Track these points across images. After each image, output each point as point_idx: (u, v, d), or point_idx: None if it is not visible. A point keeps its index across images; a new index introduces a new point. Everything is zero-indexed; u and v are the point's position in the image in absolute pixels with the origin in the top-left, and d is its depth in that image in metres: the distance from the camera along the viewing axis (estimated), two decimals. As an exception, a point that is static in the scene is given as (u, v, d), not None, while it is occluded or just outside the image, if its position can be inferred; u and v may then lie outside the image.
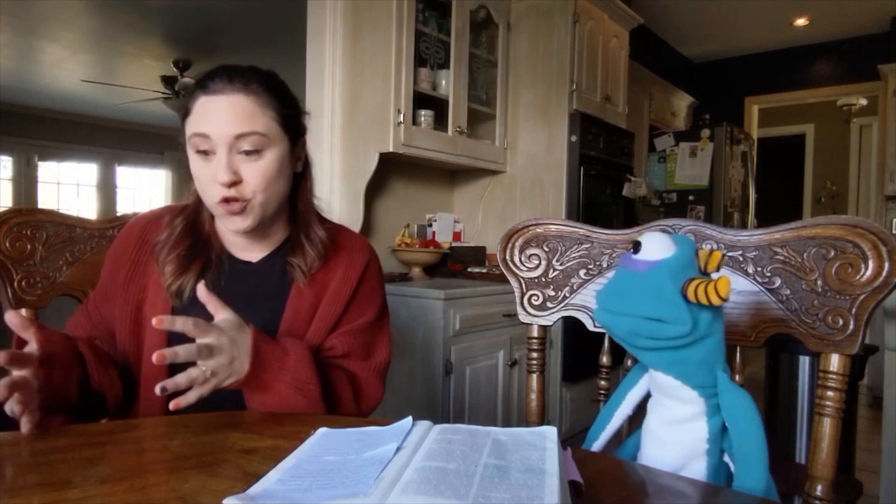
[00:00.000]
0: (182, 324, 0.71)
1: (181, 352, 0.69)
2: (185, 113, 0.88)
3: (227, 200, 0.85)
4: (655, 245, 0.63)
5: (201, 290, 0.77)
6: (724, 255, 0.64)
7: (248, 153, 0.85)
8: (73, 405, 0.78)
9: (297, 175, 0.96)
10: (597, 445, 0.78)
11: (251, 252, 0.96)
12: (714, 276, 0.61)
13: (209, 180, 0.85)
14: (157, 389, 0.67)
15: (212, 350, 0.73)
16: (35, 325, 0.72)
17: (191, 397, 0.72)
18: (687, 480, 0.63)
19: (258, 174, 0.86)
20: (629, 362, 0.90)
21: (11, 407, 0.66)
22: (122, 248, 0.95)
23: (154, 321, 0.68)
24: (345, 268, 0.97)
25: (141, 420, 0.87)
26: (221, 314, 0.77)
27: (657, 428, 0.69)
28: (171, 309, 0.90)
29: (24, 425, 0.68)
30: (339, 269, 0.96)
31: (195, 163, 0.87)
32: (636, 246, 0.64)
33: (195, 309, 0.88)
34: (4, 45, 4.87)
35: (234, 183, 0.84)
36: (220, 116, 0.83)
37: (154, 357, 0.66)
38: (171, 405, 0.69)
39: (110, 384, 0.84)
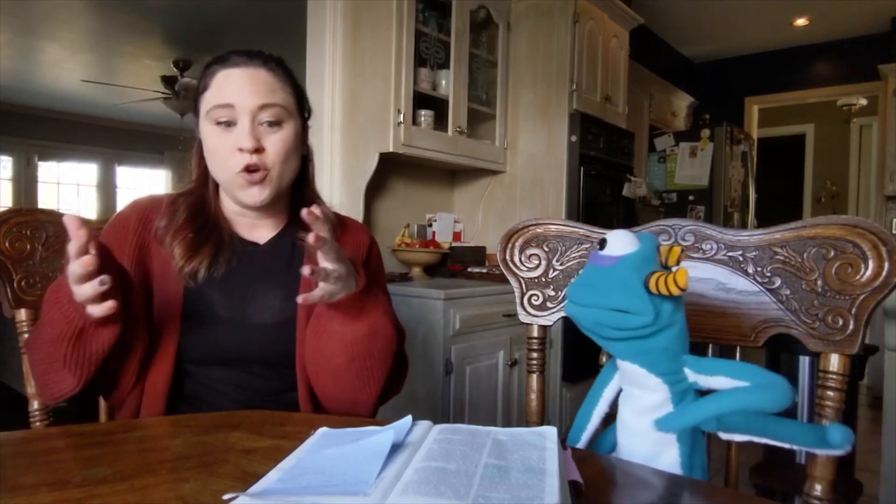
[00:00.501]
0: (320, 215, 0.71)
1: (321, 242, 0.71)
2: (202, 89, 0.89)
3: (248, 170, 0.86)
4: (620, 241, 0.67)
5: (316, 209, 0.71)
6: (682, 251, 0.67)
7: (270, 124, 0.88)
8: (118, 318, 0.75)
9: (303, 158, 0.98)
10: (580, 446, 0.79)
11: (256, 233, 0.98)
12: (674, 269, 0.64)
13: (230, 150, 0.86)
14: (306, 270, 0.68)
15: (338, 255, 0.75)
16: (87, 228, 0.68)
17: (315, 295, 0.74)
18: (688, 479, 0.64)
19: (279, 144, 0.88)
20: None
21: (96, 309, 0.67)
22: (122, 230, 0.91)
23: (310, 238, 0.68)
24: (352, 245, 1.01)
25: (141, 420, 0.87)
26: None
27: (629, 419, 0.71)
28: (184, 288, 0.90)
29: (102, 309, 0.68)
30: (347, 247, 0.98)
31: (214, 136, 0.87)
32: (602, 243, 0.68)
33: (209, 289, 0.90)
34: (4, 45, 4.87)
35: (257, 150, 0.86)
36: (244, 87, 0.86)
37: (311, 238, 0.68)
38: (300, 299, 0.72)
39: (140, 307, 0.83)
